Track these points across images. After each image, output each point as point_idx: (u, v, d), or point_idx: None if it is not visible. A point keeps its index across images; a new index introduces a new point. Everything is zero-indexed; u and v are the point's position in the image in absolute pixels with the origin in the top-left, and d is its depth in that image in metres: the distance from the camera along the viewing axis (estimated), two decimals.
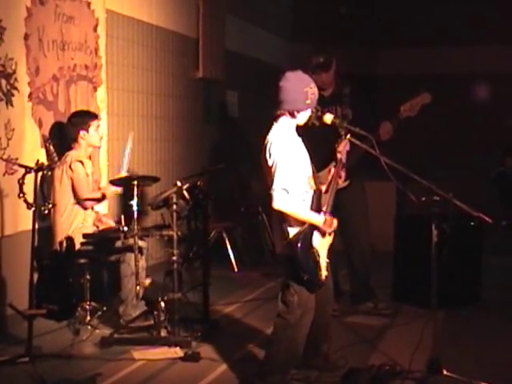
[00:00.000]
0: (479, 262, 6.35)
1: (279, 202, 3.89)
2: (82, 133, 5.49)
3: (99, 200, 5.54)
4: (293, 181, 3.93)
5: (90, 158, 5.67)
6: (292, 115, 4.05)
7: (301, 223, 3.97)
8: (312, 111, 4.14)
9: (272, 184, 3.89)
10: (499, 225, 8.44)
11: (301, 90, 4.01)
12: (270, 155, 3.97)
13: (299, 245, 3.93)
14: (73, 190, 5.38)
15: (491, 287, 6.44)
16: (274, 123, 4.09)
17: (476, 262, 6.32)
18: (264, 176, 4.04)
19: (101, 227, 5.57)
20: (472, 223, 6.12)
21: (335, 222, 4.09)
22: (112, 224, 5.67)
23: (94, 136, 5.56)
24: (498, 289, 6.63)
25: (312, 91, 4.03)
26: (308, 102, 4.02)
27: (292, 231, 3.98)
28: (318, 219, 4.00)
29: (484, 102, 11.04)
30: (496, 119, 11.09)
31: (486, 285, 6.35)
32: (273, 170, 3.91)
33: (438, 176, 6.13)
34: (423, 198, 4.21)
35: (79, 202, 5.40)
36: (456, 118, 11.26)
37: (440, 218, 4.27)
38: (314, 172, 4.14)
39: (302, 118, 4.09)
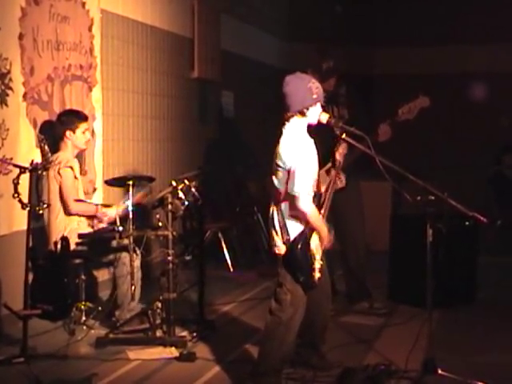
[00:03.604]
0: (474, 262, 6.36)
1: (306, 205, 3.95)
2: (67, 133, 5.47)
3: (89, 214, 5.52)
4: (310, 183, 4.00)
5: (77, 157, 5.65)
6: (302, 114, 4.06)
7: (301, 221, 4.01)
8: (324, 107, 4.18)
9: (294, 186, 3.93)
10: (494, 224, 8.45)
11: (304, 87, 4.03)
12: (285, 157, 3.99)
13: (299, 246, 3.97)
14: (59, 195, 5.37)
15: (486, 287, 6.45)
16: (286, 123, 4.09)
17: (471, 262, 6.32)
18: (272, 173, 4.08)
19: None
20: (467, 223, 6.13)
21: (332, 238, 4.16)
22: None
23: (80, 138, 5.52)
24: (494, 288, 6.64)
25: (315, 85, 4.05)
26: (315, 96, 4.03)
27: (291, 229, 4.00)
28: (326, 230, 4.08)
29: (480, 102, 11.05)
30: (492, 118, 11.10)
31: (481, 284, 6.35)
32: (295, 172, 3.94)
33: (433, 175, 6.13)
34: (418, 198, 4.22)
35: (64, 207, 5.38)
36: (451, 118, 11.27)
37: (435, 218, 4.28)
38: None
39: (313, 115, 4.09)
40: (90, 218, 5.54)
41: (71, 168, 5.39)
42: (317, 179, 4.12)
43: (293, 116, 4.07)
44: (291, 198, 3.97)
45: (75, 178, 5.43)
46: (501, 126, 10.90)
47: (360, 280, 5.94)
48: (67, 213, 5.39)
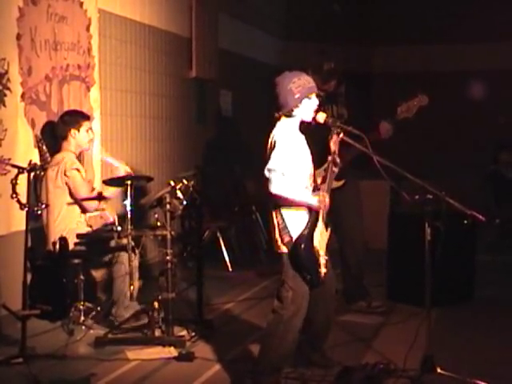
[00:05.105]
0: (473, 260, 6.36)
1: (277, 186, 3.94)
2: (72, 131, 5.48)
3: (98, 199, 5.52)
4: (291, 168, 3.98)
5: (77, 157, 5.66)
6: (289, 115, 4.08)
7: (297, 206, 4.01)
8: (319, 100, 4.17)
9: (268, 165, 3.94)
10: (493, 223, 8.45)
11: (285, 89, 4.03)
12: (273, 148, 4.00)
13: (303, 246, 3.97)
14: (71, 195, 5.38)
15: (485, 285, 6.45)
16: (278, 122, 4.11)
17: (470, 260, 6.33)
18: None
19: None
20: (466, 221, 6.11)
21: (327, 198, 4.10)
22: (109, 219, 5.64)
23: (84, 137, 5.55)
24: (492, 287, 6.64)
25: (296, 85, 4.03)
26: (297, 96, 4.03)
27: (292, 229, 4.00)
28: (313, 201, 4.04)
29: (477, 100, 11.06)
30: (490, 116, 11.11)
31: (479, 283, 6.35)
32: (272, 153, 3.95)
33: (431, 174, 6.13)
34: (416, 197, 4.22)
35: (80, 205, 5.39)
36: (449, 116, 11.27)
37: (433, 217, 4.28)
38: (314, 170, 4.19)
39: (302, 113, 4.09)
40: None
41: (78, 170, 5.40)
42: (314, 176, 4.14)
43: (281, 117, 4.09)
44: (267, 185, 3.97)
45: (82, 178, 5.45)
46: (498, 124, 10.90)
47: (358, 278, 5.94)
48: (84, 212, 5.43)
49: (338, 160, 4.22)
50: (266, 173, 3.96)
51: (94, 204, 5.46)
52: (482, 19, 11.22)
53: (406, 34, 11.74)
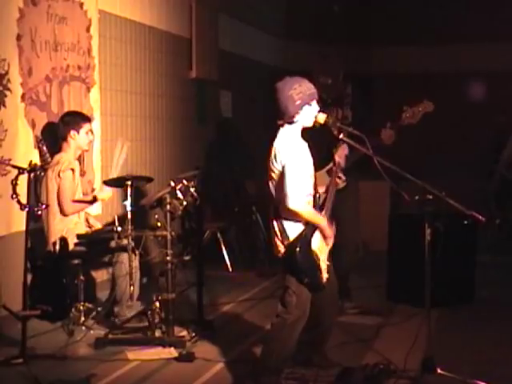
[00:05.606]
0: (473, 261, 6.36)
1: (296, 203, 3.92)
2: (72, 133, 5.48)
3: (90, 203, 5.52)
4: (303, 184, 3.98)
5: (77, 159, 5.66)
6: (291, 122, 4.06)
7: (300, 221, 4.01)
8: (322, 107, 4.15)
9: (285, 186, 3.93)
10: (493, 223, 8.45)
11: (286, 96, 4.00)
12: (279, 160, 4.00)
13: (298, 248, 3.97)
14: (57, 197, 5.37)
15: (485, 286, 6.44)
16: (280, 128, 4.10)
17: (470, 261, 6.32)
18: (268, 179, 4.08)
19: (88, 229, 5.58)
20: (466, 222, 6.13)
21: (333, 228, 4.16)
22: (99, 226, 5.68)
23: (84, 138, 5.54)
24: (492, 287, 6.63)
25: (297, 91, 4.01)
26: (298, 102, 4.01)
27: (290, 233, 4.00)
28: (323, 222, 4.08)
29: (477, 100, 11.05)
30: (491, 116, 11.10)
31: (479, 283, 6.35)
32: (285, 172, 3.95)
33: (431, 175, 6.13)
34: (416, 197, 4.22)
35: (60, 209, 5.38)
36: (449, 117, 11.26)
37: (433, 217, 4.28)
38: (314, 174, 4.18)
39: (304, 119, 4.07)
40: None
41: (72, 170, 5.39)
42: (314, 181, 4.12)
43: (283, 124, 4.08)
44: (284, 200, 3.96)
45: (74, 181, 5.44)
46: (498, 122, 10.89)
47: (344, 279, 5.87)
48: (63, 214, 5.39)
49: (341, 174, 4.21)
50: (285, 190, 3.93)
51: (72, 209, 5.43)
52: (482, 19, 11.22)
53: (406, 34, 11.74)
